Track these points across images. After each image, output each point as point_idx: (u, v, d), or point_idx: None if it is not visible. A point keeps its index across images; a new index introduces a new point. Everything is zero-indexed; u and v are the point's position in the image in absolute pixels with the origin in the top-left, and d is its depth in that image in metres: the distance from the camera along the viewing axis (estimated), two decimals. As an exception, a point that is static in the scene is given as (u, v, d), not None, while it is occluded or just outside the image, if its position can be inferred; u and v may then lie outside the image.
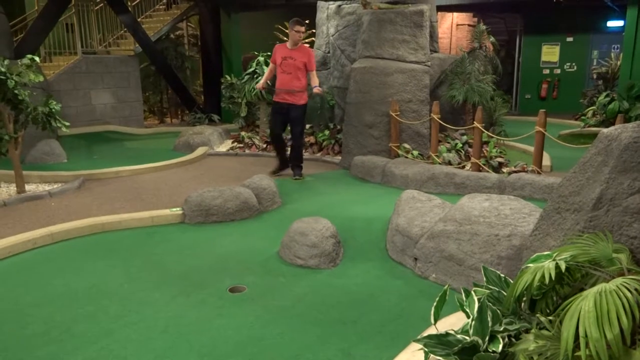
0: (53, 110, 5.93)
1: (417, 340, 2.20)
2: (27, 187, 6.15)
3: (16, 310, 3.27)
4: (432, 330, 2.39)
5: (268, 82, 6.94)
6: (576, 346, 1.75)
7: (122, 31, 12.10)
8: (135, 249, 4.40)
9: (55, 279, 3.75)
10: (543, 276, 2.01)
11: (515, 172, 6.26)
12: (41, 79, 6.16)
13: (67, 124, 6.16)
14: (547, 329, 2.02)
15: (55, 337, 2.93)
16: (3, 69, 5.41)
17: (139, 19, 12.05)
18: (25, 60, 5.72)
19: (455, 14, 14.76)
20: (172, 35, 13.79)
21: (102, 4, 11.26)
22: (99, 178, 6.97)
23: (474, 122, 6.53)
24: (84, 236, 4.69)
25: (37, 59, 5.86)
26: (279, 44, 6.81)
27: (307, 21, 12.04)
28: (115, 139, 10.23)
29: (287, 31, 12.31)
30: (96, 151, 9.01)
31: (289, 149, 7.08)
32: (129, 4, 12.00)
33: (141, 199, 5.82)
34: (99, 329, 3.02)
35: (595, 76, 12.46)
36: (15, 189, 6.03)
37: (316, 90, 6.42)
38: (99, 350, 2.80)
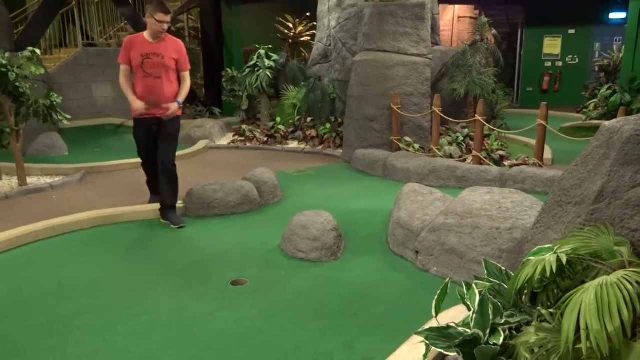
0: (54, 102, 5.93)
1: (419, 333, 2.21)
2: (29, 179, 6.17)
3: (19, 303, 3.28)
4: (433, 323, 2.40)
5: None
6: (577, 338, 1.75)
7: (122, 23, 12.05)
8: (137, 241, 4.41)
9: (57, 272, 3.76)
10: (544, 269, 2.02)
11: (516, 165, 6.25)
12: (42, 71, 6.17)
13: (69, 116, 6.17)
14: (548, 322, 2.02)
15: (58, 330, 2.95)
16: (4, 62, 5.40)
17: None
18: (26, 53, 5.73)
19: (456, 6, 14.68)
20: (172, 28, 13.74)
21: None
22: (100, 171, 6.97)
23: (476, 115, 6.52)
24: (86, 229, 4.70)
25: (37, 51, 5.86)
26: (130, 36, 4.79)
27: (308, 14, 12.04)
28: (116, 132, 10.22)
29: (288, 24, 12.32)
30: (97, 144, 9.00)
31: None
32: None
33: (142, 192, 5.82)
34: (101, 322, 3.03)
35: (597, 69, 12.41)
36: (16, 181, 6.05)
37: (172, 106, 4.65)
38: (101, 342, 2.82)
